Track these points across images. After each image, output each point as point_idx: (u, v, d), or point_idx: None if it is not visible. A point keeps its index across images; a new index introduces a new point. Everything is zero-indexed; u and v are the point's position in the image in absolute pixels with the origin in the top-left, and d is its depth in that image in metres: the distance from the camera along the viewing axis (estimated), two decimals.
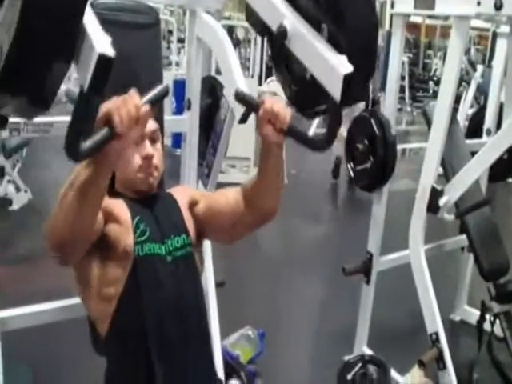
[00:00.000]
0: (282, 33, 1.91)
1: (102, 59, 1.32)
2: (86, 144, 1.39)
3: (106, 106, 1.43)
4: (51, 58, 1.32)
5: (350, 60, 1.81)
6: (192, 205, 2.03)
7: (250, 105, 1.74)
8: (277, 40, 1.97)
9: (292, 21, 1.91)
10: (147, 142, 1.90)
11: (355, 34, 1.89)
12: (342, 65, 1.74)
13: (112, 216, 1.82)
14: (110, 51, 1.33)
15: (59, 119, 2.24)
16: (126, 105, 1.42)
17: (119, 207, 1.86)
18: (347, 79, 1.72)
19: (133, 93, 1.45)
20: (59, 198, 1.55)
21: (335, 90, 1.75)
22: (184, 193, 2.09)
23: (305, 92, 2.03)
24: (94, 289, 1.83)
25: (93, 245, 1.74)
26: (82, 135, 1.39)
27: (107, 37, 1.37)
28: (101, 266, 1.82)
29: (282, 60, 2.10)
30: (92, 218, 1.61)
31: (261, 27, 2.10)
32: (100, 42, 1.35)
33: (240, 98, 1.75)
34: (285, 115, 1.69)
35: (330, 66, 1.77)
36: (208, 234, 2.07)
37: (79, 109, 1.39)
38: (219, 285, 2.81)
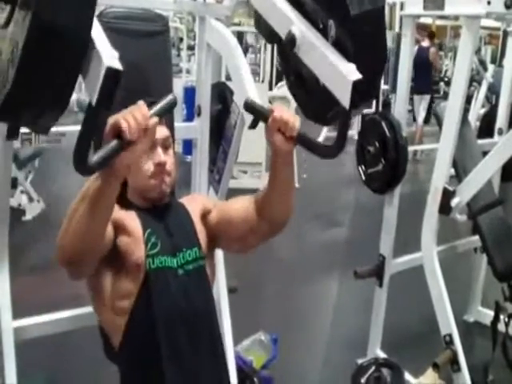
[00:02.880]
0: (291, 40, 1.92)
1: (110, 72, 1.33)
2: (95, 157, 1.40)
3: (114, 118, 1.44)
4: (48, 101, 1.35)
5: (358, 63, 1.83)
6: (204, 214, 2.03)
7: (260, 114, 1.75)
8: (286, 47, 1.97)
9: (300, 28, 1.91)
10: (159, 149, 1.90)
11: (362, 36, 1.88)
12: (351, 72, 1.76)
13: (123, 228, 1.82)
14: (118, 64, 1.34)
15: (71, 129, 2.26)
16: (134, 115, 1.43)
17: (130, 219, 1.86)
18: (355, 86, 1.74)
19: (141, 104, 1.47)
20: (69, 211, 1.56)
21: (344, 97, 1.77)
22: (196, 202, 2.09)
23: (314, 98, 2.04)
24: (106, 302, 1.84)
25: (104, 258, 1.75)
26: (91, 148, 1.40)
27: (114, 51, 1.38)
28: (113, 280, 1.83)
29: (291, 67, 2.11)
30: (102, 231, 1.61)
31: (269, 34, 2.11)
32: (107, 55, 1.36)
33: (249, 107, 1.76)
34: (294, 123, 1.71)
35: (339, 73, 1.78)
36: (220, 244, 2.06)
37: (88, 122, 1.40)
38: (232, 290, 2.81)
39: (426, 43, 10.31)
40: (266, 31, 2.12)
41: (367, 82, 1.81)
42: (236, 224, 1.96)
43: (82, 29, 1.33)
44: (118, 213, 1.80)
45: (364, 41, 1.89)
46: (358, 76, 1.75)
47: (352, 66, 1.78)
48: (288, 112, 1.72)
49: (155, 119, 1.47)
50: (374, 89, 2.23)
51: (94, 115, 1.39)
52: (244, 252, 2.08)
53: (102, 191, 1.50)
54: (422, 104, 9.93)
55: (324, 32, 1.90)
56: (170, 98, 1.55)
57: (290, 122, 1.70)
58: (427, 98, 10.03)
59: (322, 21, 1.92)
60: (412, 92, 10.46)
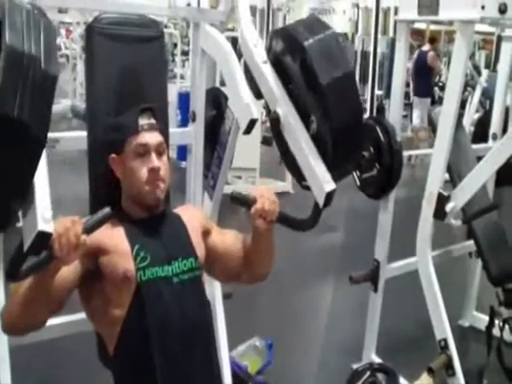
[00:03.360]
0: (276, 119, 2.15)
1: (41, 236, 1.53)
2: (26, 266, 1.58)
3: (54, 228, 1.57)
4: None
5: (335, 153, 2.09)
6: (205, 232, 2.08)
7: (244, 203, 1.94)
8: (271, 123, 2.21)
9: (285, 111, 2.13)
10: (153, 155, 1.90)
11: (340, 135, 2.08)
12: (326, 182, 2.06)
13: (105, 250, 1.84)
14: (49, 228, 1.54)
15: (65, 135, 2.26)
16: (67, 234, 1.55)
17: (115, 238, 1.87)
18: (329, 194, 2.07)
19: (76, 221, 1.59)
20: (10, 302, 1.73)
21: (319, 197, 2.10)
22: (194, 216, 2.10)
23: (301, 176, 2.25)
24: (98, 312, 1.87)
25: (92, 275, 1.83)
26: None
27: (49, 211, 1.59)
28: (104, 292, 1.84)
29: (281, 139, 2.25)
30: (48, 307, 1.76)
31: (258, 94, 2.33)
32: (43, 217, 1.56)
33: (234, 198, 1.95)
34: (274, 210, 1.92)
35: (316, 179, 2.09)
36: (210, 268, 2.13)
37: (26, 251, 1.58)
38: (226, 296, 2.81)
39: (426, 47, 10.39)
40: (257, 93, 2.32)
41: (345, 166, 2.22)
42: (232, 259, 2.10)
43: (41, 126, 1.50)
44: (101, 234, 1.78)
45: (339, 106, 2.07)
46: (331, 187, 2.06)
47: (327, 177, 2.07)
48: (269, 198, 1.92)
49: (84, 237, 1.59)
50: (351, 168, 2.57)
51: (22, 258, 1.59)
52: (224, 282, 2.40)
53: (39, 284, 1.65)
54: (420, 107, 9.98)
55: (306, 116, 2.13)
56: (105, 211, 1.67)
57: (270, 211, 1.91)
58: (427, 101, 10.07)
59: (305, 110, 2.12)
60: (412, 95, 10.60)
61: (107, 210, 1.66)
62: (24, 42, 1.45)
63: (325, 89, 2.02)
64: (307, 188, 2.20)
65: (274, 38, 2.29)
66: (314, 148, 2.10)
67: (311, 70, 2.04)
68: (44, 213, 1.58)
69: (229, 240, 2.11)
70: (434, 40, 10.65)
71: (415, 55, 10.77)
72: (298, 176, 2.24)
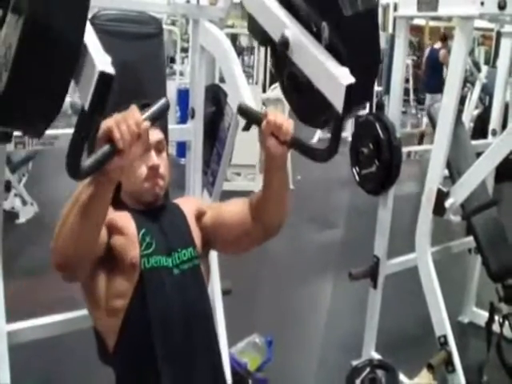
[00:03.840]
0: (284, 43, 1.93)
1: (103, 77, 1.34)
2: (87, 162, 1.40)
3: (106, 123, 1.44)
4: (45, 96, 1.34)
5: (351, 66, 1.82)
6: (199, 216, 2.03)
7: (253, 118, 1.75)
8: (279, 50, 1.98)
9: (294, 31, 1.92)
10: (153, 152, 1.90)
11: (355, 37, 1.88)
12: (344, 76, 1.76)
13: (117, 229, 1.82)
14: (111, 69, 1.35)
15: (64, 132, 2.25)
16: (126, 121, 1.43)
17: (124, 220, 1.86)
18: (349, 90, 1.74)
19: (133, 109, 1.46)
20: (62, 215, 1.56)
21: (337, 101, 1.78)
22: (191, 204, 2.09)
23: (308, 102, 2.03)
24: (101, 302, 1.84)
25: (98, 259, 1.76)
26: (83, 153, 1.40)
27: (107, 55, 1.39)
28: (107, 280, 1.83)
29: (285, 70, 2.10)
30: (95, 234, 1.61)
31: (262, 37, 2.11)
32: (100, 60, 1.37)
33: (243, 111, 1.77)
34: (287, 127, 1.71)
35: (332, 77, 1.79)
36: (214, 245, 2.07)
37: (80, 127, 1.40)
38: (226, 292, 2.81)
39: (438, 45, 10.46)
40: (259, 34, 2.13)
41: (361, 85, 1.80)
42: (230, 226, 1.97)
43: (75, 31, 1.33)
44: (112, 214, 1.80)
45: (357, 43, 1.89)
46: (351, 80, 1.75)
47: (345, 70, 1.78)
48: (281, 116, 1.72)
49: (147, 124, 1.46)
50: (367, 91, 2.24)
51: (86, 120, 1.39)
52: (237, 254, 2.10)
53: (95, 195, 1.49)
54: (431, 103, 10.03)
55: (317, 35, 1.90)
56: (162, 101, 1.55)
57: (283, 126, 1.70)
58: (439, 97, 10.09)
59: (315, 24, 1.92)
60: (424, 91, 10.64)
61: (164, 99, 1.56)
62: None
63: None
64: (308, 121, 2.10)
65: None
66: (330, 56, 1.86)
67: None
68: (102, 56, 1.40)
69: (227, 209, 2.01)
70: (445, 38, 10.67)
71: (426, 52, 10.82)
72: (302, 106, 2.11)
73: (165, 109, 1.55)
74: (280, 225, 1.93)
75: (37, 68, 1.29)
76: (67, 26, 1.31)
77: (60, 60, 1.32)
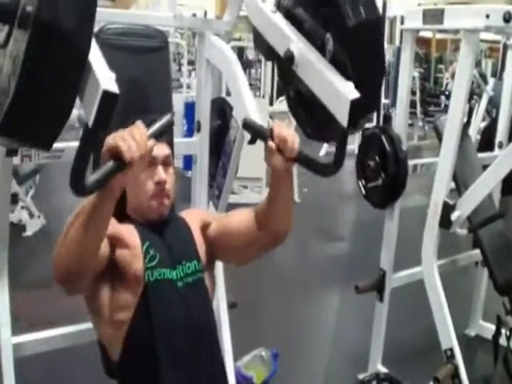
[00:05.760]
0: (289, 58, 1.93)
1: (106, 95, 1.34)
2: (91, 179, 1.41)
3: (111, 138, 1.44)
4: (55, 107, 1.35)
5: (356, 78, 1.83)
6: (204, 227, 2.04)
7: (258, 133, 1.75)
8: (284, 65, 1.98)
9: (299, 46, 1.92)
10: (160, 168, 1.91)
11: (359, 48, 1.88)
12: (349, 91, 1.77)
13: (121, 242, 1.83)
14: (115, 87, 1.35)
15: (71, 145, 2.26)
16: (133, 137, 1.44)
17: (129, 233, 1.87)
18: (354, 105, 1.75)
19: (139, 125, 1.48)
20: (65, 228, 1.57)
21: (342, 116, 1.78)
22: (196, 215, 2.10)
23: (313, 116, 2.04)
24: (105, 315, 1.84)
25: (102, 272, 1.76)
26: (87, 170, 1.41)
27: (111, 72, 1.40)
28: (111, 293, 1.83)
29: (290, 84, 2.11)
30: (95, 248, 1.61)
31: (267, 52, 2.12)
32: (104, 77, 1.37)
33: (248, 126, 1.77)
34: (293, 142, 1.71)
35: (337, 92, 1.79)
36: (220, 256, 2.08)
37: (85, 143, 1.41)
38: (231, 306, 2.81)
39: None
40: (264, 48, 2.14)
41: (365, 97, 1.81)
42: (236, 235, 1.97)
43: (83, 32, 1.34)
44: (116, 227, 1.81)
45: (361, 53, 1.89)
46: (355, 95, 1.76)
47: (350, 85, 1.79)
48: (287, 129, 1.72)
49: (152, 141, 1.48)
50: (373, 102, 2.20)
51: (90, 136, 1.40)
52: (242, 264, 2.09)
53: (97, 210, 1.50)
54: None
55: (322, 49, 1.91)
56: (167, 118, 1.56)
57: (289, 141, 1.70)
58: None
59: (319, 38, 1.92)
60: None
61: (169, 116, 1.57)
62: None
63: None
64: (313, 136, 2.10)
65: None
66: (334, 70, 1.87)
67: None
68: (106, 73, 1.40)
69: (233, 218, 2.02)
70: None
71: None
72: (306, 118, 2.12)
73: (169, 124, 1.56)
74: (285, 233, 1.93)
75: (46, 71, 1.30)
76: (75, 24, 1.31)
77: (69, 62, 1.33)
